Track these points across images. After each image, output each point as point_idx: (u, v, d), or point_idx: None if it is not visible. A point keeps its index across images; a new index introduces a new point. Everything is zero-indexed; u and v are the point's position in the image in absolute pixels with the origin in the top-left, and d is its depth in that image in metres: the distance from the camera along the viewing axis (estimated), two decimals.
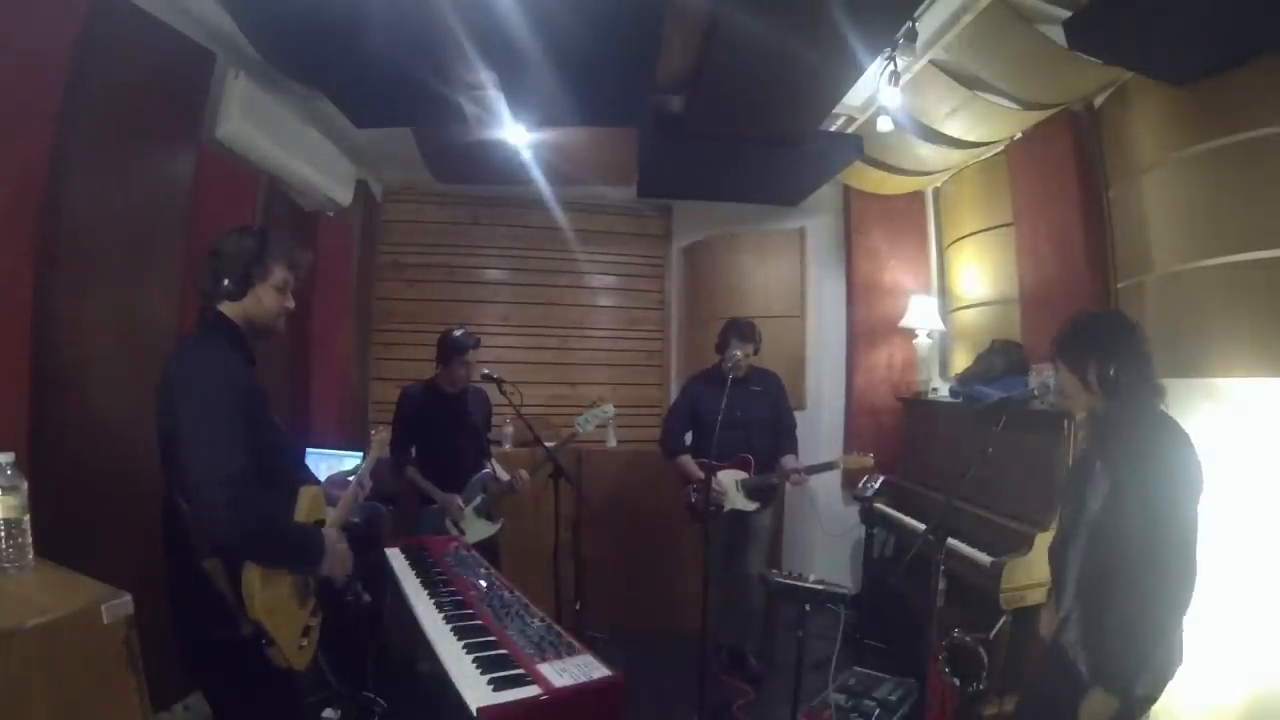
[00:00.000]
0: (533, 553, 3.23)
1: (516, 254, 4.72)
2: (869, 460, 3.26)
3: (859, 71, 2.63)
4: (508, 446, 4.02)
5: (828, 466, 3.35)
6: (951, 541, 2.53)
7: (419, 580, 2.15)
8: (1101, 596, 1.63)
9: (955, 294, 4.11)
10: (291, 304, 1.71)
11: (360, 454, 2.19)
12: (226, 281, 1.61)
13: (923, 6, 2.47)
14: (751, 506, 3.33)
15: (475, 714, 1.34)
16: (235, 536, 1.45)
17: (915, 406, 4.06)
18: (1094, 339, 1.71)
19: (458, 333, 3.10)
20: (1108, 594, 1.61)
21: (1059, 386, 1.81)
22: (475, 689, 1.43)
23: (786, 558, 4.25)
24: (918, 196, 4.42)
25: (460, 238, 4.65)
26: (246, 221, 2.70)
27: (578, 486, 3.37)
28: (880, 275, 4.41)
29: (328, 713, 2.57)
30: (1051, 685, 1.77)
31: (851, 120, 3.53)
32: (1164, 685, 1.62)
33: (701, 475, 3.09)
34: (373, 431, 2.30)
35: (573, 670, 1.51)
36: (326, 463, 3.19)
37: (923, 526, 2.87)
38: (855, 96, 3.20)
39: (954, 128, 3.36)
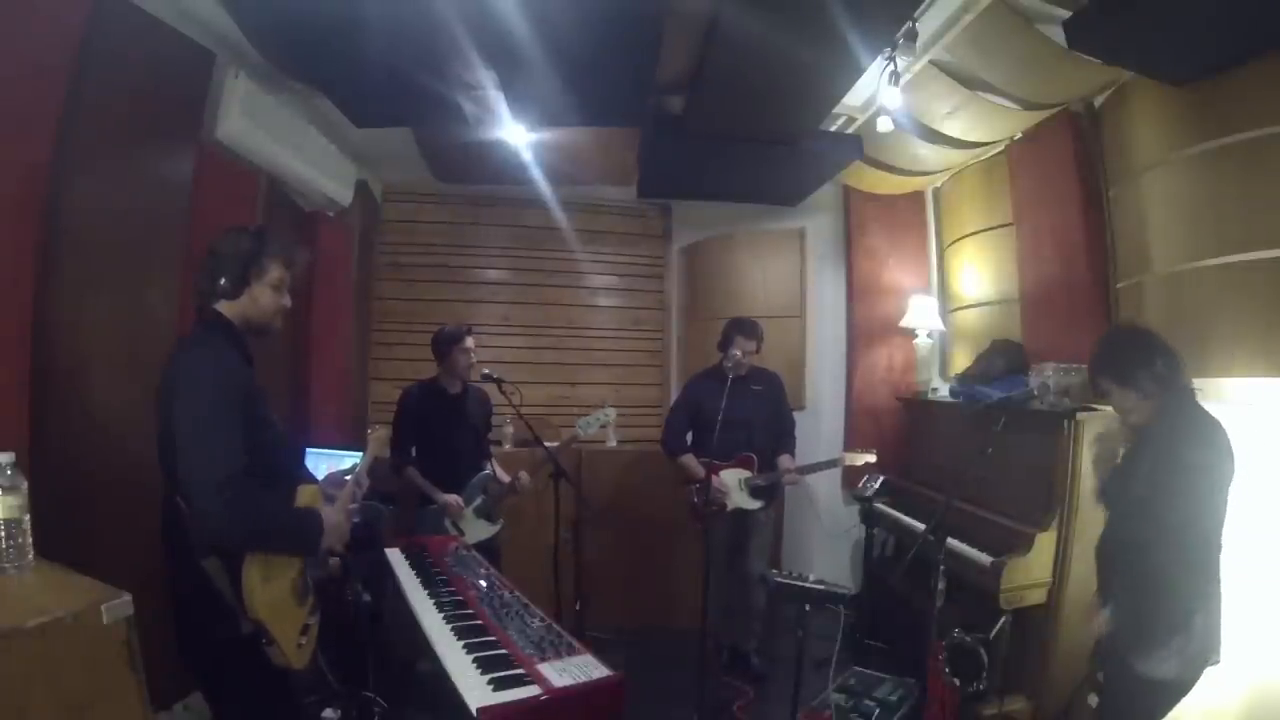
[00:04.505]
0: (533, 553, 3.22)
1: (516, 254, 4.71)
2: (871, 457, 3.27)
3: (859, 71, 2.64)
4: (508, 446, 4.02)
5: (831, 464, 3.36)
6: (951, 541, 2.53)
7: (419, 580, 2.14)
8: (1133, 575, 1.73)
9: (955, 294, 4.11)
10: (288, 302, 1.72)
11: (360, 454, 2.19)
12: (223, 281, 1.61)
13: (923, 6, 2.47)
14: (755, 505, 3.33)
15: (475, 714, 1.34)
16: (234, 536, 1.46)
17: (915, 406, 4.06)
18: (1132, 350, 1.83)
19: (448, 327, 3.13)
20: (1140, 571, 1.71)
21: (1118, 406, 1.87)
22: (475, 689, 1.43)
23: (786, 558, 4.25)
24: (918, 196, 4.42)
25: (460, 238, 4.64)
26: (246, 221, 2.70)
27: (578, 487, 3.37)
28: (880, 275, 4.41)
29: (328, 713, 2.56)
30: (1113, 680, 1.84)
31: (851, 120, 3.53)
32: (1196, 675, 1.68)
33: (703, 474, 3.09)
34: (370, 430, 2.30)
35: (573, 670, 1.51)
36: (326, 462, 3.18)
37: (923, 526, 2.87)
38: (855, 96, 3.20)
39: (954, 128, 3.36)
